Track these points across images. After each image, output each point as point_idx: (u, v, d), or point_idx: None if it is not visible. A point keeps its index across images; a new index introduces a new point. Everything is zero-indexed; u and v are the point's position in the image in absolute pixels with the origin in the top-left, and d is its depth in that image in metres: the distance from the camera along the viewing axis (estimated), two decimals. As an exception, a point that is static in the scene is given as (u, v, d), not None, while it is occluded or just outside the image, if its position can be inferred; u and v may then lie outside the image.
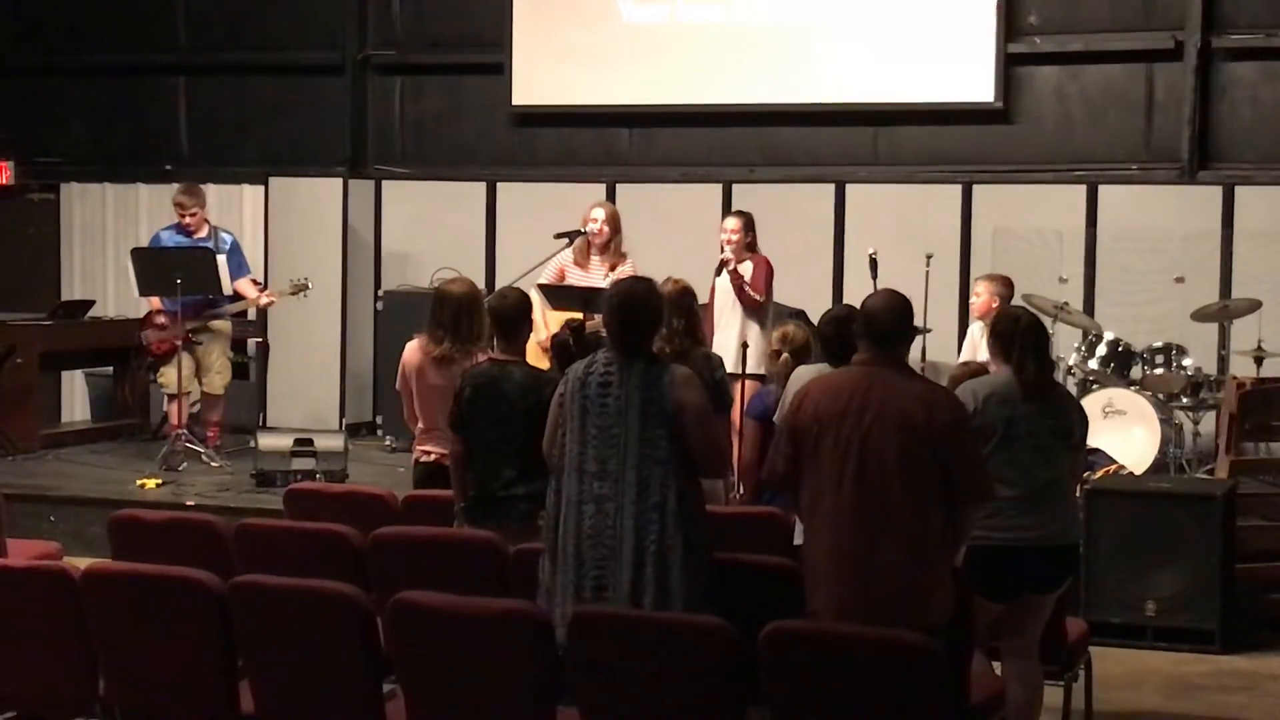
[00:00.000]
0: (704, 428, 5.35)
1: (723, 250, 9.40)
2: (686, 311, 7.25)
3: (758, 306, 9.26)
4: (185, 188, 11.13)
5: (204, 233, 10.87)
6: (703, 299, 9.39)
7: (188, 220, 10.82)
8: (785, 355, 7.15)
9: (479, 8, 12.67)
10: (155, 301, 10.74)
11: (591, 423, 5.29)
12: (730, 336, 9.23)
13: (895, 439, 4.99)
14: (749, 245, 9.45)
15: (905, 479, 4.98)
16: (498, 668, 4.76)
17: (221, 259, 10.59)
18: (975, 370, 6.91)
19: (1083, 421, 5.96)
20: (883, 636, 4.56)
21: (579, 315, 8.22)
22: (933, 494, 4.99)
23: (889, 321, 5.21)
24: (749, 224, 9.51)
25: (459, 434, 6.45)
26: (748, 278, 9.33)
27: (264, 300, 10.92)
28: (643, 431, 5.23)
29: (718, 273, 9.45)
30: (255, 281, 11.23)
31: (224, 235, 11.01)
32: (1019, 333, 5.83)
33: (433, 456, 7.15)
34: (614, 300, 5.45)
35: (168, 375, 10.71)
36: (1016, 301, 9.36)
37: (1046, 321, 9.71)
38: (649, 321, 5.44)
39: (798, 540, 5.89)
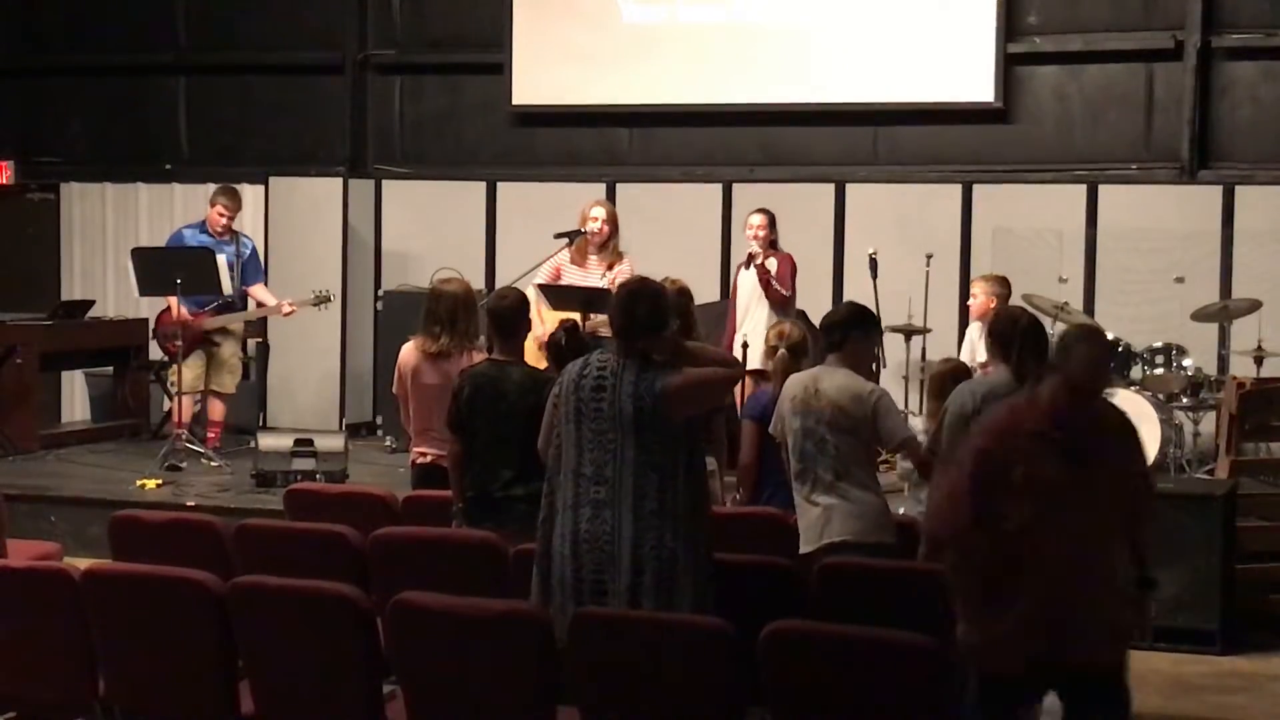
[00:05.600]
0: (699, 387, 5.32)
1: (750, 245, 9.55)
2: (682, 313, 7.26)
3: (783, 301, 9.37)
4: (226, 189, 11.11)
5: (227, 235, 10.89)
6: (706, 298, 9.49)
7: (222, 221, 10.82)
8: (782, 351, 7.15)
9: (479, 8, 12.68)
10: (173, 301, 10.73)
11: (586, 426, 5.27)
12: (755, 331, 9.31)
13: None
14: (773, 242, 9.61)
15: None
16: (498, 668, 4.76)
17: (222, 259, 10.59)
18: (955, 366, 6.94)
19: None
20: (882, 637, 4.57)
21: (576, 315, 8.23)
22: None
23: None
24: (773, 221, 9.72)
25: (457, 434, 6.45)
26: (774, 272, 9.44)
27: (285, 309, 10.89)
28: (638, 438, 5.20)
29: (746, 266, 9.56)
30: (265, 288, 11.21)
31: (245, 240, 11.05)
32: (1018, 333, 5.85)
33: (429, 458, 7.16)
34: (623, 295, 5.43)
35: (179, 373, 10.70)
36: (1015, 301, 9.36)
37: (1046, 321, 9.77)
38: (653, 318, 5.40)
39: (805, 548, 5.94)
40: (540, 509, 5.42)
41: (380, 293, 12.15)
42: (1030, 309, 9.43)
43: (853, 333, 6.13)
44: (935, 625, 4.67)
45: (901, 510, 7.12)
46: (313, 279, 11.14)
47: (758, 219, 9.72)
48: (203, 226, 10.93)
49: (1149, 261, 10.97)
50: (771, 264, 9.56)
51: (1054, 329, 9.81)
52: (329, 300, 10.85)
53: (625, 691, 4.75)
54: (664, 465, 5.20)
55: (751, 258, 9.58)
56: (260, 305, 11.08)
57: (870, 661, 4.55)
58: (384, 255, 12.72)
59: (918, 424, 6.89)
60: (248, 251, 10.96)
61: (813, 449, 6.01)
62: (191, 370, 10.64)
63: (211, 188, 11.42)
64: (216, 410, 11.00)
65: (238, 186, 11.65)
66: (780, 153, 12.11)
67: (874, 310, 6.48)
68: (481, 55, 12.62)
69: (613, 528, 5.18)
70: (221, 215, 10.85)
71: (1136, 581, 4.85)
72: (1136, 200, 11.23)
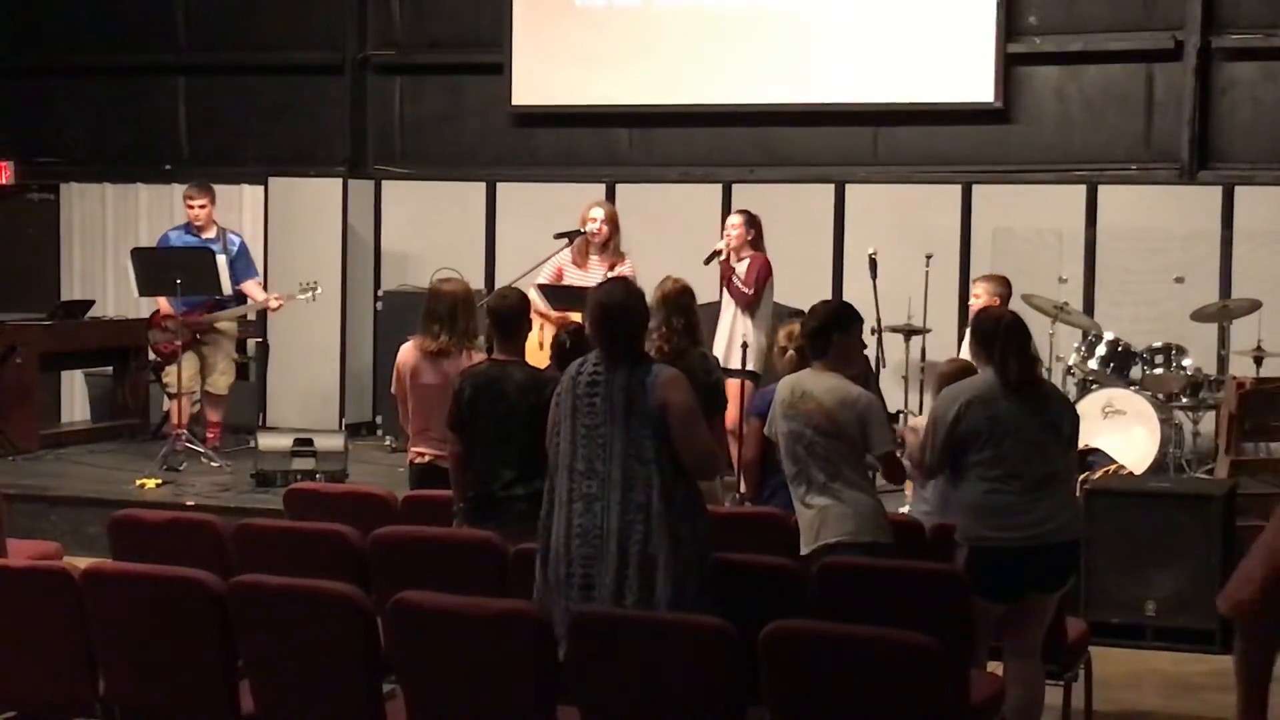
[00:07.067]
0: (689, 427, 5.32)
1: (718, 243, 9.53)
2: (685, 311, 7.26)
3: (746, 301, 9.31)
4: (195, 183, 11.14)
5: (212, 233, 10.88)
6: (706, 297, 9.48)
7: (195, 213, 10.83)
8: (791, 352, 7.15)
9: (479, 8, 12.68)
10: (162, 302, 10.72)
11: (580, 422, 5.32)
12: (723, 333, 9.31)
13: None
14: (752, 243, 9.55)
15: None
16: (498, 668, 4.76)
17: (222, 259, 10.58)
18: (962, 366, 6.93)
19: (1072, 417, 5.97)
20: (882, 636, 4.56)
21: (577, 316, 8.23)
22: None
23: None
24: (751, 221, 9.63)
25: (458, 434, 6.45)
26: (740, 272, 9.39)
27: (273, 303, 10.88)
28: (627, 432, 5.24)
29: (706, 262, 9.53)
30: (259, 285, 11.22)
31: (232, 237, 11.04)
32: (1001, 333, 5.83)
33: (426, 458, 7.17)
34: (596, 308, 5.44)
35: (172, 375, 10.70)
36: (1016, 301, 9.37)
37: (1046, 321, 9.80)
38: (631, 325, 5.43)
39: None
40: (542, 507, 5.44)
41: (380, 293, 12.16)
42: (1028, 308, 9.49)
43: (834, 334, 6.13)
44: (935, 625, 4.67)
45: (904, 510, 7.13)
46: (313, 279, 11.12)
47: (735, 219, 9.67)
48: (188, 227, 10.93)
49: (1149, 261, 10.97)
50: (743, 265, 9.48)
51: (1054, 329, 9.86)
52: (316, 290, 10.80)
53: (625, 691, 4.75)
54: (653, 460, 5.23)
55: (715, 253, 9.52)
56: (251, 301, 11.04)
57: (870, 661, 4.54)
58: (384, 255, 12.72)
59: (918, 424, 6.89)
60: (235, 249, 10.92)
61: (803, 452, 6.01)
62: (187, 370, 10.63)
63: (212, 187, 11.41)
64: (211, 411, 10.99)
65: (238, 186, 11.66)
66: (780, 153, 12.11)
67: (860, 309, 6.43)
68: (481, 55, 12.62)
69: (602, 521, 5.22)
70: (190, 207, 10.86)
71: None
72: (1136, 200, 11.23)
